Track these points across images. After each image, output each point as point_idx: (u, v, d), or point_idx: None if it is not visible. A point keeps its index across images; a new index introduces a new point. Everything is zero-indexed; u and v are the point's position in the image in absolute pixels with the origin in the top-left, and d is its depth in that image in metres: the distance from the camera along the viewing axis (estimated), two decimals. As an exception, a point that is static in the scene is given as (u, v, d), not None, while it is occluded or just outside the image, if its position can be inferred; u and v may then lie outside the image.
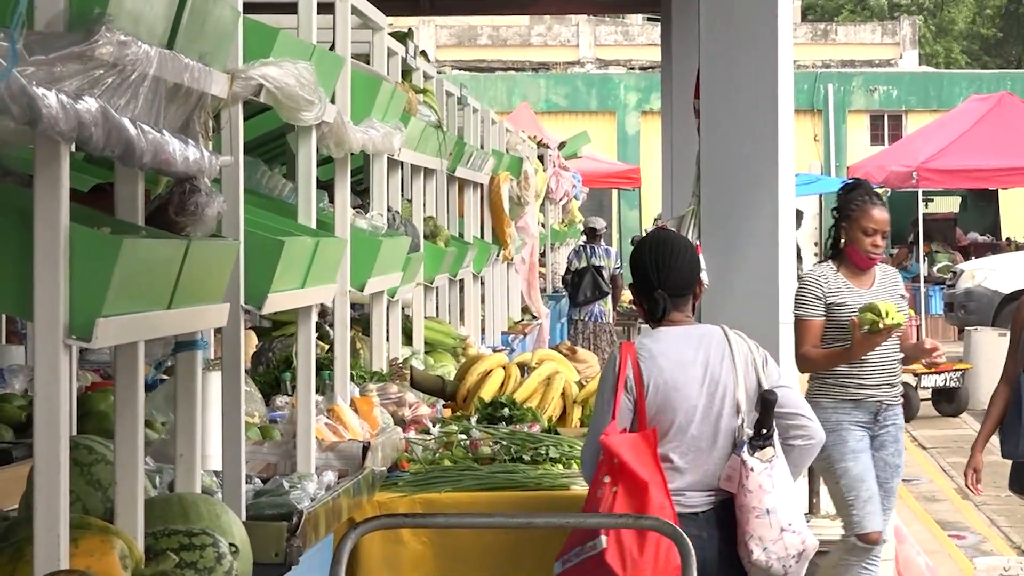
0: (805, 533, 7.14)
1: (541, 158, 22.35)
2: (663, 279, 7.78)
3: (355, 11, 9.90)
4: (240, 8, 6.89)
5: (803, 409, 7.48)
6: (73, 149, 5.20)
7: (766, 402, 7.23)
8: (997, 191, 30.94)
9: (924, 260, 28.08)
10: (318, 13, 8.84)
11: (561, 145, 29.41)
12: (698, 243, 11.28)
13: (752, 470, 7.18)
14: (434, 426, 10.09)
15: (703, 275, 10.75)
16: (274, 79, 7.03)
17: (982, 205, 32.54)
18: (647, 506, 7.21)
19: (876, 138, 42.30)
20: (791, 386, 7.46)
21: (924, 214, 28.37)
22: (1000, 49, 56.72)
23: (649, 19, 34.66)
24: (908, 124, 39.85)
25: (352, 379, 9.82)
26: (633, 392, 7.44)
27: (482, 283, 16.36)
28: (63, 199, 5.01)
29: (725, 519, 7.21)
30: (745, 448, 7.28)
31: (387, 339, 11.59)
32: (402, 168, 12.20)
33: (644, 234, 9.05)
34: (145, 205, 6.12)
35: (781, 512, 7.15)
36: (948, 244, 32.64)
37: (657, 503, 7.14)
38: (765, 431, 7.24)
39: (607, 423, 7.37)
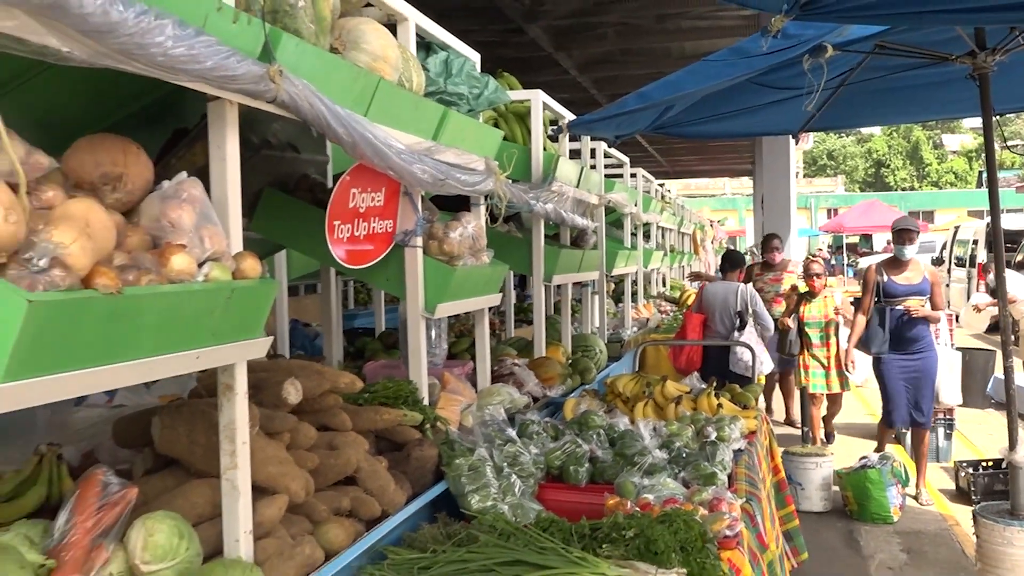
0: (751, 360, 7.10)
1: (711, 224, 26.19)
2: (724, 263, 8.23)
3: (645, 178, 11.20)
4: (602, 172, 7.49)
5: (765, 319, 7.73)
6: (544, 223, 5.76)
7: (740, 316, 7.62)
8: (872, 235, 37.56)
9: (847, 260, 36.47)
10: (631, 177, 9.70)
11: (719, 221, 36.48)
12: (759, 251, 12.80)
13: (734, 335, 7.55)
14: (671, 313, 10.99)
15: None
16: (615, 198, 7.58)
17: (865, 239, 38.73)
18: (686, 331, 7.80)
19: (829, 217, 48.91)
20: (764, 309, 7.78)
21: (846, 243, 37.62)
22: (876, 186, 60.72)
23: (749, 176, 38.14)
24: (841, 211, 44.09)
25: (644, 296, 10.87)
26: (699, 301, 7.94)
27: (691, 266, 18.99)
28: (541, 241, 5.69)
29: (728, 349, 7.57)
30: (734, 327, 7.64)
31: (661, 284, 13.26)
32: (663, 230, 13.53)
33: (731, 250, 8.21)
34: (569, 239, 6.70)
35: (738, 351, 7.37)
36: (855, 254, 37.92)
37: (692, 334, 7.77)
38: (740, 323, 7.60)
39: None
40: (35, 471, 2.55)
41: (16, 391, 1.66)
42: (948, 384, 8.43)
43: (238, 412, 2.36)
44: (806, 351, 8.51)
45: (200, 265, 2.16)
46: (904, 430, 8.44)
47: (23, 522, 2.24)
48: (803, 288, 8.70)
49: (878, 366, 7.60)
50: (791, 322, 8.46)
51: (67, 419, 3.25)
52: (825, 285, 8.74)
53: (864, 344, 7.59)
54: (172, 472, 2.67)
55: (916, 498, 7.58)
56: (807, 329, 8.48)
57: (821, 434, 8.91)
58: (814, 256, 8.25)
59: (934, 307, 7.50)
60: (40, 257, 1.74)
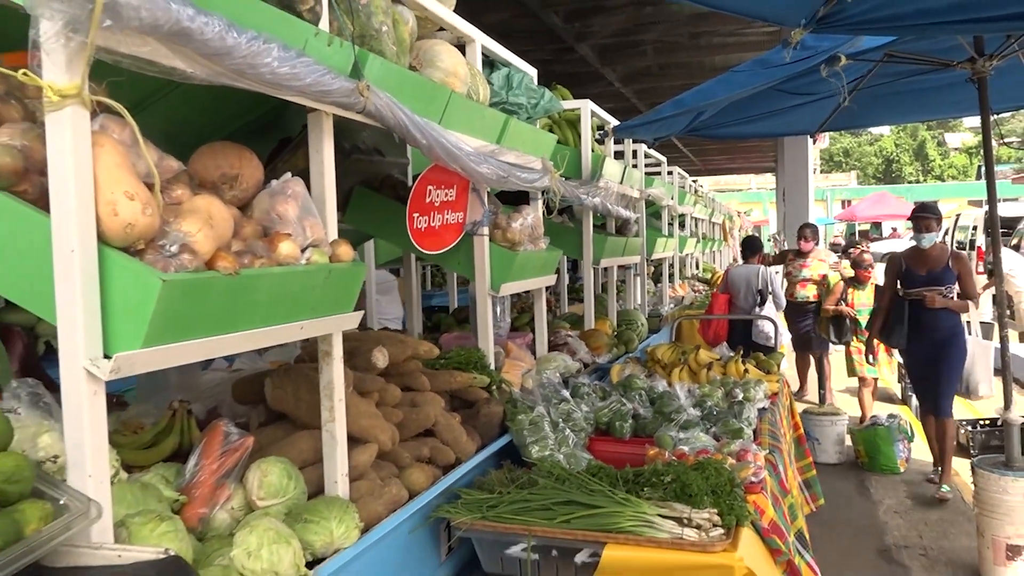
0: (771, 332, 7.00)
1: (738, 215, 25.26)
2: (744, 249, 8.03)
3: (680, 175, 10.54)
4: (643, 170, 7.34)
5: (779, 297, 7.55)
6: (592, 215, 5.66)
7: (760, 293, 7.45)
8: (881, 222, 36.03)
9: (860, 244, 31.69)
10: (668, 174, 9.37)
11: (745, 213, 34.51)
12: (783, 238, 12.91)
13: (755, 310, 7.39)
14: (703, 292, 10.70)
15: (786, 245, 11.28)
16: (654, 193, 7.40)
17: (875, 226, 37.00)
18: (713, 309, 7.53)
19: (843, 207, 45.71)
20: (779, 288, 7.58)
21: (858, 230, 36.21)
22: (886, 180, 56.52)
23: (772, 172, 36.76)
24: (854, 202, 41.41)
25: (679, 277, 10.58)
26: (724, 282, 7.72)
27: (720, 252, 18.02)
28: (590, 230, 5.60)
29: (751, 322, 7.35)
30: (756, 303, 7.46)
31: (695, 267, 12.60)
32: (696, 220, 12.86)
33: (750, 236, 7.57)
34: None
35: (760, 323, 7.21)
36: (866, 239, 35.73)
37: (718, 310, 7.52)
38: (761, 300, 7.44)
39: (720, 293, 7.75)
40: (169, 423, 2.61)
41: (152, 355, 1.71)
42: (983, 375, 6.82)
43: (335, 374, 2.38)
44: (856, 337, 7.61)
45: (303, 250, 2.18)
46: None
47: (160, 465, 2.30)
48: (834, 278, 8.00)
49: (902, 355, 6.54)
50: (832, 309, 7.69)
51: (195, 380, 3.31)
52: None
53: (886, 337, 6.41)
54: (281, 425, 2.71)
55: (940, 496, 6.11)
56: (859, 316, 7.54)
57: (871, 414, 7.56)
58: (863, 247, 7.44)
59: (966, 296, 6.07)
60: (171, 244, 1.79)
